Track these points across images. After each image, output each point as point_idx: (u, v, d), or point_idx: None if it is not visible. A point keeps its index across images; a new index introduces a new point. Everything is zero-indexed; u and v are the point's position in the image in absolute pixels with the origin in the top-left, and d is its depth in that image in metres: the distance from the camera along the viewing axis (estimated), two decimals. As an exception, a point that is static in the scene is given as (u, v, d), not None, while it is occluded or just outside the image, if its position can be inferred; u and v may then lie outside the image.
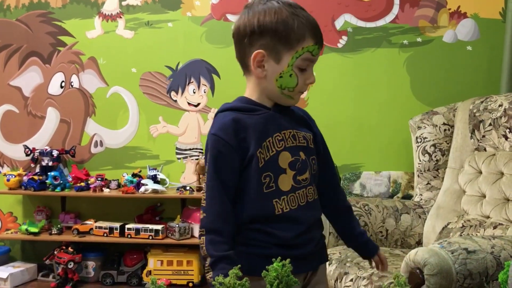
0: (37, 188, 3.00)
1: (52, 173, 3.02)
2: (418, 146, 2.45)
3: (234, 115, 1.15)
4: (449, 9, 2.97)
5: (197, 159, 3.10)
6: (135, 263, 3.02)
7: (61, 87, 3.25)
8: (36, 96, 3.26)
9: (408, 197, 2.75)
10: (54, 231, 3.01)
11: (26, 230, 3.02)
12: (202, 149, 3.15)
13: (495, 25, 2.92)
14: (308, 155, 1.20)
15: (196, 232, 2.92)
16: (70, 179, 3.09)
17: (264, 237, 1.15)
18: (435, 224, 2.21)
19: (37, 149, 3.16)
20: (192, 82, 3.15)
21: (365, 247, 1.32)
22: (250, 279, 1.02)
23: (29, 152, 3.17)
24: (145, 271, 2.93)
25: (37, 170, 3.16)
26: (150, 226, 2.90)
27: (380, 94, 3.01)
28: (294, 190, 1.16)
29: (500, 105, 2.23)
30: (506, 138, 2.18)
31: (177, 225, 2.86)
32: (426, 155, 2.41)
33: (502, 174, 2.11)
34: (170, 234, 2.90)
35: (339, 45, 3.05)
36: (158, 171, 3.06)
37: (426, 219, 2.30)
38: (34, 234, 3.01)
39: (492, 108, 2.25)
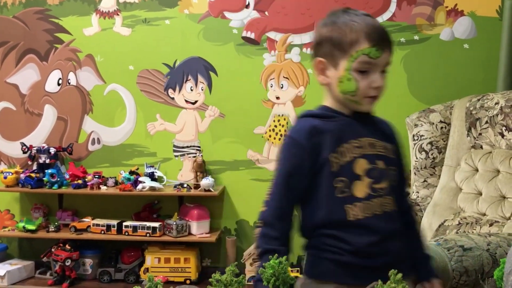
0: (34, 186, 3.00)
1: (49, 171, 3.01)
2: (415, 144, 2.45)
3: (312, 121, 1.18)
4: (446, 7, 2.98)
5: (194, 156, 3.10)
6: (133, 260, 3.02)
7: (58, 84, 3.25)
8: (33, 94, 3.26)
9: None
10: (52, 228, 3.01)
11: (23, 227, 3.02)
12: (199, 147, 3.15)
13: (492, 23, 2.93)
14: (387, 164, 1.19)
15: (194, 230, 2.93)
16: (67, 177, 3.09)
17: (336, 243, 1.15)
18: (431, 222, 2.21)
19: (34, 147, 3.16)
20: (190, 79, 3.14)
21: (418, 270, 1.25)
22: (318, 282, 1.16)
23: (26, 150, 3.16)
24: (142, 268, 2.93)
25: (34, 167, 3.16)
26: (148, 224, 2.90)
27: (377, 92, 3.01)
28: (369, 198, 1.15)
29: (497, 103, 2.24)
30: (503, 136, 2.19)
31: (174, 223, 2.86)
32: (423, 152, 2.42)
33: (498, 171, 2.12)
34: (167, 232, 2.90)
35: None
36: (155, 168, 3.06)
37: (422, 216, 2.31)
38: (31, 231, 3.01)
39: (488, 106, 2.25)
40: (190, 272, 2.89)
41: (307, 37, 3.06)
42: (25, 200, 3.27)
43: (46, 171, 3.03)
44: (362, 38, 1.14)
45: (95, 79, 3.22)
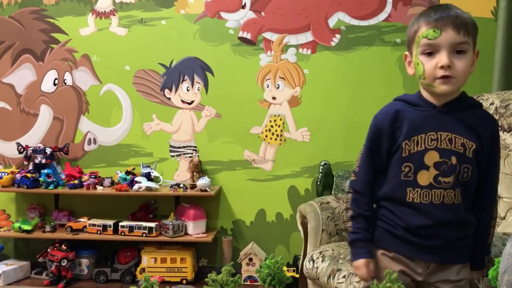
0: (30, 186, 2.99)
1: (45, 171, 3.01)
2: None
3: (400, 106, 1.30)
4: (442, 7, 2.99)
5: (190, 156, 3.11)
6: (129, 260, 3.02)
7: (54, 84, 3.24)
8: (29, 94, 3.25)
9: None
10: (48, 228, 3.01)
11: (19, 228, 3.01)
12: (195, 147, 3.15)
13: (487, 24, 2.95)
14: (461, 162, 1.24)
15: (190, 230, 2.93)
16: (63, 177, 3.08)
17: (392, 217, 1.29)
18: None
19: (30, 147, 3.15)
20: (186, 79, 3.15)
21: (472, 261, 1.33)
22: (373, 247, 1.33)
23: (22, 150, 3.16)
24: (138, 269, 2.93)
25: (30, 167, 3.15)
26: (144, 224, 2.90)
27: (373, 92, 3.03)
28: (431, 188, 1.24)
29: (492, 103, 2.25)
30: (498, 136, 2.20)
31: (170, 223, 2.86)
32: None
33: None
34: (163, 232, 2.90)
35: (332, 43, 3.06)
36: (151, 168, 3.06)
37: None
38: (27, 232, 3.01)
39: (483, 107, 2.27)
40: (186, 272, 2.89)
41: (303, 38, 3.07)
42: (21, 200, 3.26)
43: (42, 171, 3.02)
44: (422, 24, 1.24)
45: (91, 79, 3.22)
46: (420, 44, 1.24)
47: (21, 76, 3.24)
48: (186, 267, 2.89)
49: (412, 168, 1.26)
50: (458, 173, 1.24)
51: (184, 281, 2.87)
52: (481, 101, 2.29)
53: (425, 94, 1.30)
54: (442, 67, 1.20)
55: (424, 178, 1.25)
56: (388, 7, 3.01)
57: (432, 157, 1.24)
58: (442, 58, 1.20)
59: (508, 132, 2.19)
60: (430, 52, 1.22)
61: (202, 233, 2.94)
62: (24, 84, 3.25)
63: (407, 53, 1.33)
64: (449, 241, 1.26)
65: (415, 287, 1.31)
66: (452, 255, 1.28)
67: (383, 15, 3.02)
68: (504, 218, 1.98)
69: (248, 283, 2.95)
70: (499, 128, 1.40)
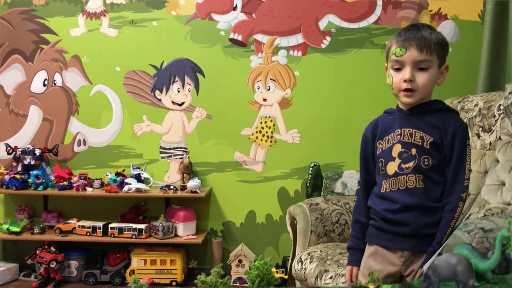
0: (19, 187, 2.97)
1: (35, 172, 2.99)
2: None
3: (381, 117, 1.53)
4: (431, 10, 3.02)
5: (181, 158, 3.11)
6: (118, 262, 3.01)
7: (44, 85, 3.23)
8: (19, 94, 3.23)
9: None
10: (36, 230, 2.99)
11: (8, 229, 2.98)
12: (186, 148, 3.15)
13: (474, 27, 2.99)
14: (420, 153, 1.39)
15: (180, 231, 2.92)
16: (52, 178, 3.06)
17: (373, 210, 1.47)
18: None
19: (19, 148, 3.13)
20: (177, 81, 3.15)
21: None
22: (367, 244, 1.49)
23: (11, 151, 3.13)
24: (128, 270, 2.92)
25: (19, 169, 3.13)
26: (134, 225, 2.89)
27: (362, 94, 3.05)
28: (396, 175, 1.41)
29: (476, 105, 2.27)
30: (479, 136, 2.22)
31: (160, 224, 2.86)
32: None
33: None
34: (153, 233, 2.90)
35: (323, 46, 3.08)
36: (142, 170, 3.05)
37: None
38: (16, 233, 2.98)
39: (468, 108, 2.29)
40: (176, 274, 2.89)
41: (294, 40, 3.08)
42: (10, 201, 3.23)
43: (31, 172, 3.00)
44: (393, 43, 1.42)
45: (81, 80, 3.20)
46: (391, 60, 1.41)
47: (10, 77, 3.22)
48: (176, 269, 2.88)
49: (383, 161, 1.44)
50: (419, 161, 1.38)
51: (174, 283, 2.86)
52: (466, 103, 2.32)
53: (399, 103, 1.48)
54: (405, 80, 1.38)
55: (391, 168, 1.42)
56: (378, 10, 3.04)
57: (397, 149, 1.42)
58: (406, 73, 1.38)
59: (488, 132, 2.21)
60: (398, 68, 1.40)
61: (192, 235, 2.93)
62: (13, 85, 3.23)
63: (386, 65, 1.48)
64: (416, 228, 1.38)
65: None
66: (423, 243, 1.38)
67: (373, 18, 3.04)
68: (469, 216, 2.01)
69: (238, 284, 2.95)
70: (468, 132, 1.45)
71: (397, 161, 1.42)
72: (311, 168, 3.00)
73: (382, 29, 3.05)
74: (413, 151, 1.39)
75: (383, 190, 1.44)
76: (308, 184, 2.99)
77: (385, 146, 1.46)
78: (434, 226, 1.39)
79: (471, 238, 1.38)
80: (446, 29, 3.01)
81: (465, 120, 2.27)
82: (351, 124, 3.06)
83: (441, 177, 1.41)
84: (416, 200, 1.39)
